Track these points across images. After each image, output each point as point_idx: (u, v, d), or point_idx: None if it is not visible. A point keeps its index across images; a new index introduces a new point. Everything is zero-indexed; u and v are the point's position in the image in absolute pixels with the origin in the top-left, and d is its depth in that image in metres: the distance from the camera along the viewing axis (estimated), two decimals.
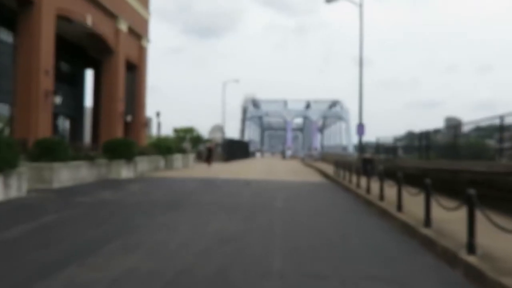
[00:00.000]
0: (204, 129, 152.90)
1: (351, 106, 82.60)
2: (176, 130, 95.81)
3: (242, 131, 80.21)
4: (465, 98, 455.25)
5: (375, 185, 11.46)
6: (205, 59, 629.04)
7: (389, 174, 16.37)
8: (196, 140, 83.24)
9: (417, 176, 10.57)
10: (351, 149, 65.58)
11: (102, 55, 27.54)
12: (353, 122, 77.68)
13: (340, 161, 20.56)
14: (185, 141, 68.58)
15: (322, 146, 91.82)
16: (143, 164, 22.20)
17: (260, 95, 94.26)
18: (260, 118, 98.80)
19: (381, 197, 10.12)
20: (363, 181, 13.31)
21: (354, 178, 15.17)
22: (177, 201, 10.57)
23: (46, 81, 19.28)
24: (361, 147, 21.82)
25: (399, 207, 8.45)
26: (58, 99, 19.68)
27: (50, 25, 19.65)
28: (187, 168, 28.66)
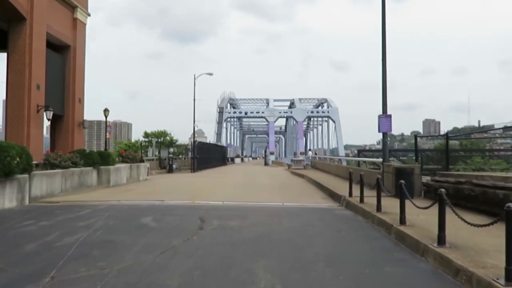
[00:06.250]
0: (184, 134, 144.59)
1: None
2: (147, 135, 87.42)
3: (219, 134, 71.96)
4: (441, 100, 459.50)
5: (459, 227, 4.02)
6: (185, 63, 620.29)
7: (453, 196, 9.43)
8: (169, 145, 75.12)
9: None
10: (342, 153, 58.37)
11: (9, 25, 19.48)
12: (342, 123, 70.52)
13: (357, 173, 13.12)
14: (155, 146, 60.30)
15: (306, 150, 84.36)
16: (52, 182, 14.32)
17: (240, 96, 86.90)
18: (239, 120, 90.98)
19: None
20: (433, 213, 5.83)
21: (414, 212, 7.74)
22: None
23: None
24: (385, 150, 14.36)
25: None
26: None
27: None
28: (133, 183, 20.73)
